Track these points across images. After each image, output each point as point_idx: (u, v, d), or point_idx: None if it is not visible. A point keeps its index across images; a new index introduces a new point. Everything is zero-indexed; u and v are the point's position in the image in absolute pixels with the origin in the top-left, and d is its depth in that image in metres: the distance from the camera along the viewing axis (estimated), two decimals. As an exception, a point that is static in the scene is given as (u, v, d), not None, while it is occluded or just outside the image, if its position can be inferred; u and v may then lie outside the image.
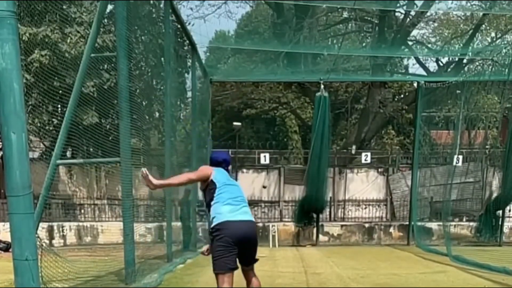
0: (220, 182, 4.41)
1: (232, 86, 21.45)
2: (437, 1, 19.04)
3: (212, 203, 4.34)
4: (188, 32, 11.11)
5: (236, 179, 18.37)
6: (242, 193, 4.55)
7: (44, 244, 6.04)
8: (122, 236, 7.05)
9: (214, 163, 4.69)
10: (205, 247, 4.87)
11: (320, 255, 12.38)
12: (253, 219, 4.48)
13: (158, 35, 12.61)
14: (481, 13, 18.43)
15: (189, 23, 15.06)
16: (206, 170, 4.51)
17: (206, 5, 18.70)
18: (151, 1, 12.19)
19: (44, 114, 10.24)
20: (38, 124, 10.38)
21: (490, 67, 17.77)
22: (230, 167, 4.85)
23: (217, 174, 4.46)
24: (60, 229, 14.80)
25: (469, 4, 19.67)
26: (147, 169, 4.15)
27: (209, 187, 4.44)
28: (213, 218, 4.29)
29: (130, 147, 6.65)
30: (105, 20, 10.60)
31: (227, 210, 4.27)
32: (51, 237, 14.46)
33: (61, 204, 15.44)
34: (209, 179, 4.43)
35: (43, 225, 13.13)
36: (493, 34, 20.60)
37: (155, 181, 4.20)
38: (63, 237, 14.82)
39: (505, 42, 19.81)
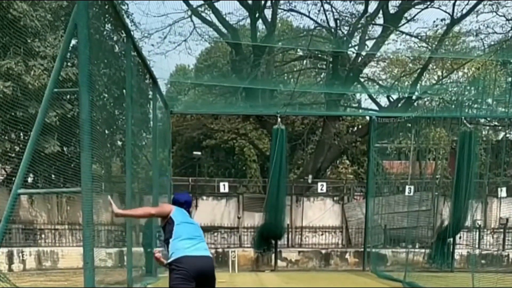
0: (178, 220, 4.57)
1: (193, 117, 21.91)
2: (386, 43, 19.96)
3: (170, 239, 4.49)
4: (149, 67, 11.65)
5: (196, 206, 18.21)
6: (200, 232, 4.71)
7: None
8: (83, 261, 7.19)
9: (177, 204, 4.84)
10: (156, 250, 5.04)
11: (279, 280, 12.74)
12: (210, 255, 4.61)
13: (120, 68, 13.02)
14: (427, 55, 19.52)
15: (150, 61, 15.53)
16: (167, 207, 4.76)
17: (167, 42, 19.39)
18: (114, 38, 12.60)
19: (6, 142, 10.36)
20: (0, 151, 10.46)
21: (438, 103, 18.98)
22: (191, 209, 5.07)
23: (176, 212, 4.63)
24: (20, 254, 14.69)
25: (416, 46, 20.66)
26: (110, 196, 4.55)
27: (168, 224, 4.60)
28: (171, 254, 4.45)
29: (91, 178, 6.73)
30: (68, 54, 10.93)
31: (184, 246, 4.42)
32: (10, 262, 14.33)
33: (21, 229, 15.25)
34: (169, 216, 4.60)
35: (3, 250, 12.97)
36: (439, 73, 21.90)
37: (117, 210, 4.60)
38: (23, 262, 14.69)
39: (451, 80, 21.16)
